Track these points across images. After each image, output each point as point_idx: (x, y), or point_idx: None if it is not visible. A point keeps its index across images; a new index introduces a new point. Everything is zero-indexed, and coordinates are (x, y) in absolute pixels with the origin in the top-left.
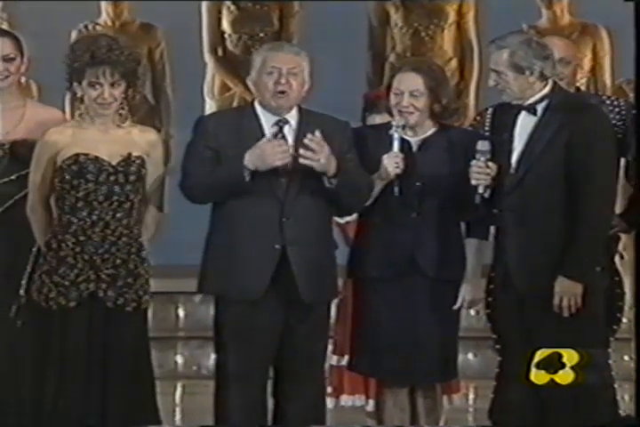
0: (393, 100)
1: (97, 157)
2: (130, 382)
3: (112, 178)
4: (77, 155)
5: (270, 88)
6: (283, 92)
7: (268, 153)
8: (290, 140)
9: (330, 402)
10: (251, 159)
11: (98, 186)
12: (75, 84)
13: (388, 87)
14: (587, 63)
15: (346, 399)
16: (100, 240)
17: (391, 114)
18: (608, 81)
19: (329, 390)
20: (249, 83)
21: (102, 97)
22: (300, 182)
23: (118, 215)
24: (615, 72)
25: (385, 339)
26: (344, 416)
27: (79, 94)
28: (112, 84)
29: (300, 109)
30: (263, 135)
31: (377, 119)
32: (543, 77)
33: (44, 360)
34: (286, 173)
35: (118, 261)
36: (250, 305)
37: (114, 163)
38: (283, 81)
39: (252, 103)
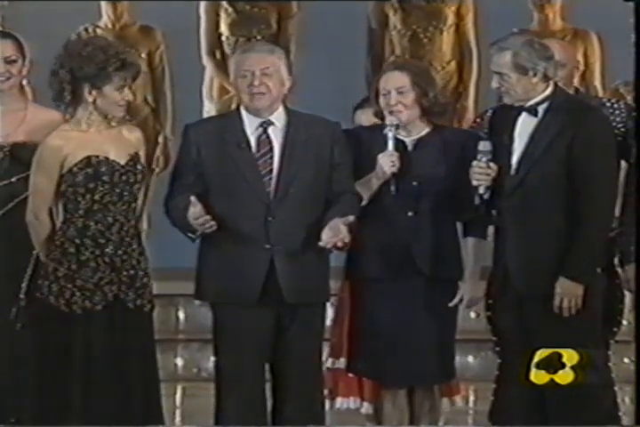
0: (382, 101)
1: (107, 158)
2: (146, 381)
3: (123, 178)
4: (89, 157)
5: (245, 91)
6: (259, 93)
7: (198, 222)
8: (276, 141)
9: (325, 405)
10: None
11: (112, 187)
12: (87, 88)
13: (376, 92)
14: (579, 68)
15: (341, 402)
16: (118, 242)
17: (381, 118)
18: (599, 86)
19: (325, 392)
20: (228, 86)
21: (127, 99)
22: (286, 184)
23: (129, 216)
24: (607, 77)
25: (383, 340)
26: (341, 418)
27: (90, 99)
28: (130, 87)
29: (287, 110)
30: (246, 138)
31: (362, 117)
32: (546, 78)
33: (65, 363)
34: (272, 175)
35: (134, 262)
36: (243, 307)
37: (122, 163)
38: (256, 83)
39: (238, 108)
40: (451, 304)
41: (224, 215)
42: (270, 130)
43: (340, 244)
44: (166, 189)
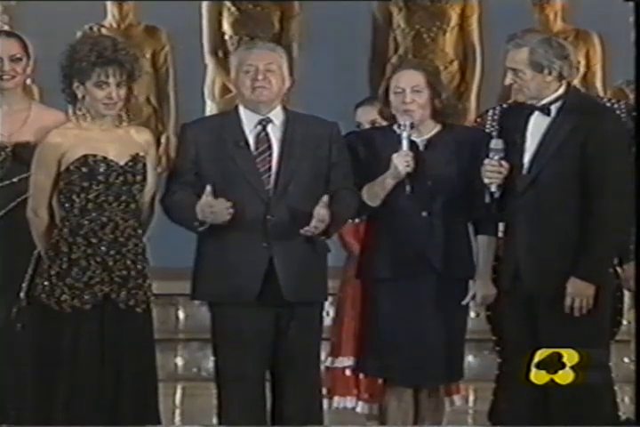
0: (395, 99)
1: (105, 158)
2: (140, 382)
3: (121, 178)
4: (86, 156)
5: (248, 85)
6: (262, 87)
7: (213, 210)
8: (275, 139)
9: (324, 403)
10: (201, 213)
11: (108, 187)
12: (75, 84)
13: (387, 90)
14: (580, 69)
15: (338, 401)
16: (111, 241)
17: (387, 117)
18: (600, 87)
19: (324, 391)
20: (230, 85)
21: (109, 97)
22: (285, 182)
23: (126, 216)
24: (608, 78)
25: (396, 340)
26: (341, 418)
27: (80, 95)
28: (118, 85)
29: (285, 109)
30: (244, 137)
31: (363, 116)
32: (560, 77)
33: (54, 362)
34: (271, 173)
35: (129, 262)
36: (242, 306)
37: (121, 163)
38: (260, 77)
39: (236, 106)
40: (463, 302)
41: None
42: (269, 128)
43: (320, 227)
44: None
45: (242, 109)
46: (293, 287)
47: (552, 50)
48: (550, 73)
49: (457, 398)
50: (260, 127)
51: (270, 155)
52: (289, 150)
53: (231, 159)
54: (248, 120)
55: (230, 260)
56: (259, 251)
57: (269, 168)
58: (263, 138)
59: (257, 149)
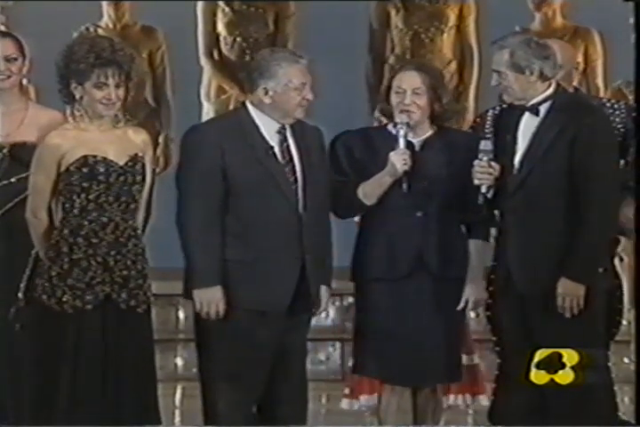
0: (394, 99)
1: (105, 158)
2: (140, 382)
3: (121, 178)
4: (85, 157)
5: (297, 102)
6: (305, 105)
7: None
8: (292, 144)
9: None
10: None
11: (108, 187)
12: (73, 85)
13: (389, 88)
14: (579, 66)
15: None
16: (112, 242)
17: (389, 116)
18: (600, 84)
19: (346, 391)
20: (263, 92)
21: (108, 98)
22: (312, 193)
23: (126, 216)
24: (608, 75)
25: (391, 340)
26: (341, 418)
27: (78, 96)
28: (117, 85)
29: None
30: (269, 144)
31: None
32: (544, 77)
33: (55, 362)
34: (298, 184)
35: (129, 263)
36: (263, 315)
37: (121, 163)
38: (310, 96)
39: (245, 108)
40: (458, 308)
41: (255, 221)
42: (288, 136)
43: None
44: (166, 189)
45: (256, 113)
46: (317, 297)
47: (530, 50)
48: (532, 73)
49: (482, 397)
50: (280, 136)
51: (293, 166)
52: (307, 159)
53: (261, 165)
54: (266, 126)
55: (263, 269)
56: (293, 261)
57: (295, 179)
58: (285, 148)
59: (283, 158)
